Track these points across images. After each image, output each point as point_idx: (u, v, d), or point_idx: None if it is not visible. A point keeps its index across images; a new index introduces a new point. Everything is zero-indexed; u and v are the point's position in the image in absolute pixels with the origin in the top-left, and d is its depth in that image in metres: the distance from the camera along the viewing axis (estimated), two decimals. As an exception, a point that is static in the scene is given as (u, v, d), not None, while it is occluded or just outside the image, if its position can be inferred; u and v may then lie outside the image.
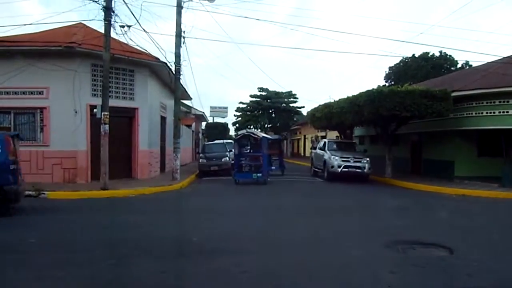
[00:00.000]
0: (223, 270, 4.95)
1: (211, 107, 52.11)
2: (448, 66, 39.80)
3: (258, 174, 15.60)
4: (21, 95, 13.70)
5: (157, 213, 9.44)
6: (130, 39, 13.50)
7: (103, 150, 12.28)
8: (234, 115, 54.50)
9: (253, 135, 16.97)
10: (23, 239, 6.40)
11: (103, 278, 4.78)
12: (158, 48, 34.86)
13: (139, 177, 15.56)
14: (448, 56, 40.05)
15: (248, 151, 18.56)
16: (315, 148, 20.88)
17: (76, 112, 13.72)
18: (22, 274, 4.79)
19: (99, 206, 10.45)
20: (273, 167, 19.53)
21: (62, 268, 5.00)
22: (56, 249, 5.91)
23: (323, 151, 18.30)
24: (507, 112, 14.76)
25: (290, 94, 50.15)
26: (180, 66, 15.94)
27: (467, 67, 33.50)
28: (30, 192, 11.16)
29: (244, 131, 17.16)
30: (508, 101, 14.77)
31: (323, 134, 36.33)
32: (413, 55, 40.59)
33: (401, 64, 41.24)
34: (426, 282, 4.73)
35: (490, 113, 15.20)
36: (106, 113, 12.26)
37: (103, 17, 12.13)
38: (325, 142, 19.26)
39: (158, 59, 15.60)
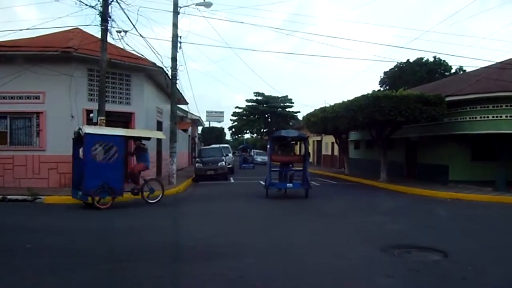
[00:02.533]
0: (220, 275, 4.97)
1: (207, 112, 52.27)
2: (442, 71, 40.13)
3: (79, 192, 10.44)
4: (18, 99, 13.71)
5: (153, 218, 9.44)
6: (127, 44, 13.70)
7: (99, 155, 12.24)
8: (230, 120, 54.85)
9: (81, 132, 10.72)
10: (19, 244, 6.40)
11: (99, 283, 4.80)
12: (154, 53, 35.02)
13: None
14: (442, 62, 40.38)
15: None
16: None
17: (72, 116, 13.74)
18: (18, 280, 4.79)
19: (94, 210, 10.43)
20: (289, 184, 13.54)
21: (58, 273, 5.01)
22: (51, 254, 5.91)
23: None
24: (501, 116, 14.91)
25: (286, 99, 50.44)
26: (176, 71, 16.02)
27: (461, 72, 33.81)
28: (26, 197, 11.17)
29: (77, 128, 11.37)
30: (501, 106, 14.92)
31: (318, 138, 36.48)
32: (408, 60, 40.91)
33: (396, 69, 41.52)
34: (422, 286, 4.78)
35: (484, 117, 15.34)
36: (102, 117, 12.28)
37: (99, 22, 12.20)
38: None
39: (155, 64, 15.66)
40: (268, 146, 14.17)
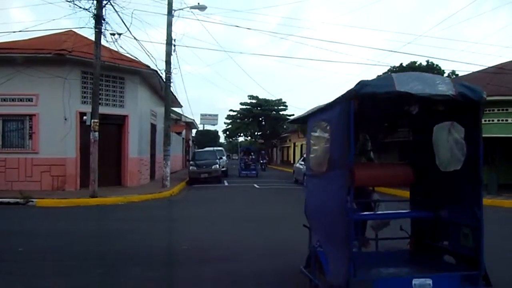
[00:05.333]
0: (213, 278, 4.97)
1: (201, 115, 52.07)
2: (435, 75, 40.44)
3: None
4: (10, 102, 13.63)
5: (147, 221, 9.41)
6: (121, 47, 13.66)
7: (93, 158, 12.22)
8: (224, 123, 54.65)
9: None
10: (11, 248, 6.35)
11: (91, 287, 4.78)
12: (148, 55, 34.95)
13: (128, 184, 15.49)
14: (435, 66, 40.70)
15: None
16: None
17: (65, 119, 13.66)
18: (10, 283, 4.75)
19: (88, 214, 10.39)
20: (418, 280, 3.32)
21: (50, 277, 4.99)
22: (44, 258, 5.88)
23: None
24: (492, 120, 15.05)
25: (280, 102, 50.45)
26: (170, 74, 16.03)
27: (454, 77, 34.11)
28: (18, 200, 11.09)
29: None
30: (493, 110, 15.06)
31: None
32: (401, 64, 41.16)
33: (389, 73, 41.70)
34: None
35: (476, 121, 15.48)
36: (96, 120, 12.24)
37: (93, 25, 12.17)
38: None
39: (149, 66, 15.64)
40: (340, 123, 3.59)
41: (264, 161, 34.78)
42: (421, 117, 4.07)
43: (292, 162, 47.63)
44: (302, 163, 18.12)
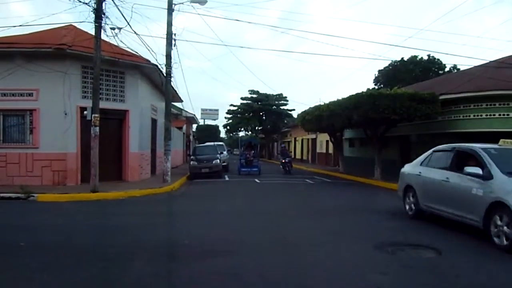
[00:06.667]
0: (215, 273, 4.97)
1: (202, 110, 52.11)
2: (436, 70, 40.29)
3: None
4: (11, 96, 13.60)
5: (148, 216, 9.42)
6: (121, 41, 13.59)
7: (93, 152, 12.21)
8: (225, 118, 54.65)
9: None
10: (12, 242, 6.35)
11: (93, 282, 4.77)
12: (149, 50, 34.90)
13: (129, 179, 15.50)
14: (436, 60, 40.53)
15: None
16: None
17: (66, 114, 13.66)
18: (12, 278, 4.76)
19: (89, 208, 10.40)
20: None
21: (51, 272, 4.98)
22: (45, 253, 5.87)
23: None
24: (494, 115, 15.02)
25: (280, 97, 50.38)
26: (171, 69, 15.97)
27: (455, 71, 33.98)
28: (19, 195, 11.10)
29: None
30: (494, 104, 15.03)
31: (313, 136, 36.56)
32: (402, 58, 41.00)
33: (390, 67, 41.61)
34: (415, 283, 4.81)
35: (477, 116, 15.44)
36: (96, 115, 12.21)
37: (93, 19, 12.10)
38: None
39: (149, 61, 15.59)
40: None
41: (287, 159, 23.73)
42: None
43: (293, 156, 47.57)
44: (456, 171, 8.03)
